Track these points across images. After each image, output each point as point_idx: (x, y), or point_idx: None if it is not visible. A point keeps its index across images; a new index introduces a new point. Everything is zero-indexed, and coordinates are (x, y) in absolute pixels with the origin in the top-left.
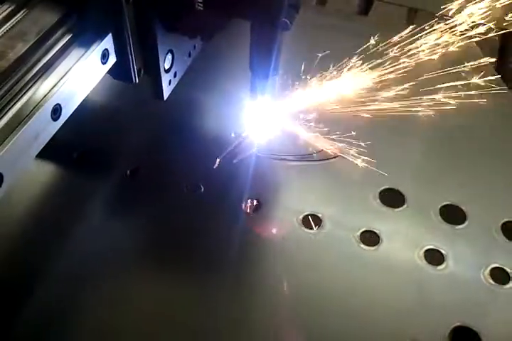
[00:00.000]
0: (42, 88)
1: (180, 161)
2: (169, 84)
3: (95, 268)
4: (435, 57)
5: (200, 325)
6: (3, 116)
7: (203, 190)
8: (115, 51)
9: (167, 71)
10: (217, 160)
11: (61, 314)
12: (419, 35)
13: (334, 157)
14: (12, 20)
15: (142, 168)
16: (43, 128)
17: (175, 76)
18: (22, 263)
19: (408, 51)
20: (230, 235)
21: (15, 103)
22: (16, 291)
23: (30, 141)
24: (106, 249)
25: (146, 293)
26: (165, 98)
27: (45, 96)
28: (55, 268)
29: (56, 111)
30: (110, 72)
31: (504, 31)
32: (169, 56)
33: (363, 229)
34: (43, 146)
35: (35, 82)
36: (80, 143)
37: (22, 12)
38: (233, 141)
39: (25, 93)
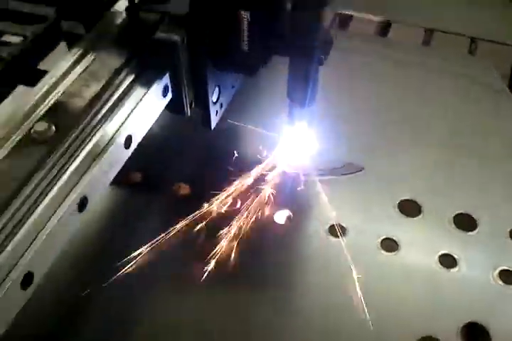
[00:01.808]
0: (116, 121)
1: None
2: (216, 114)
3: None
4: None
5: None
6: (85, 147)
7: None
8: (171, 88)
9: (214, 103)
10: (252, 177)
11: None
12: None
13: (357, 171)
14: (82, 63)
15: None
16: (118, 156)
17: (221, 107)
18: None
19: None
20: (264, 243)
21: (95, 134)
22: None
23: (108, 166)
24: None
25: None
26: (212, 127)
27: (119, 128)
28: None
29: (128, 141)
30: (166, 106)
31: None
32: (216, 90)
33: (384, 237)
34: (117, 171)
35: (110, 116)
36: None
37: (89, 55)
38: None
39: (102, 126)
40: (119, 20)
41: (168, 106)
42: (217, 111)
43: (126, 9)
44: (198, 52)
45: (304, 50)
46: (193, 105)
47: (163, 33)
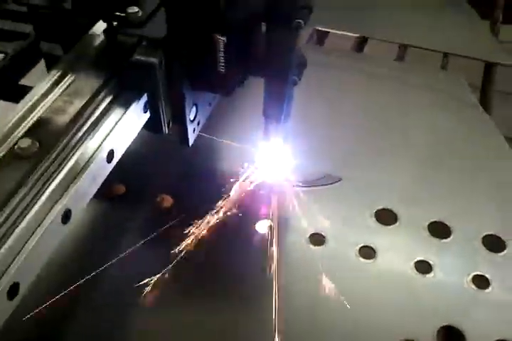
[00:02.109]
0: (98, 136)
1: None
2: (193, 132)
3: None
4: None
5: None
6: (68, 161)
7: (221, 214)
8: (149, 108)
9: (192, 121)
10: (232, 188)
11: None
12: None
13: (335, 182)
14: (62, 84)
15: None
16: (100, 170)
17: (198, 124)
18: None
19: None
20: (246, 253)
21: (78, 149)
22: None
23: (91, 181)
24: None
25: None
26: (190, 144)
27: (101, 143)
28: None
29: (110, 155)
30: (144, 125)
31: None
32: (194, 108)
33: (362, 245)
34: (99, 185)
35: (92, 131)
36: None
37: (69, 76)
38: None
39: (84, 141)
40: (96, 43)
41: (145, 125)
42: (194, 129)
43: (105, 31)
44: (175, 73)
45: (279, 72)
46: (171, 124)
47: (141, 55)
